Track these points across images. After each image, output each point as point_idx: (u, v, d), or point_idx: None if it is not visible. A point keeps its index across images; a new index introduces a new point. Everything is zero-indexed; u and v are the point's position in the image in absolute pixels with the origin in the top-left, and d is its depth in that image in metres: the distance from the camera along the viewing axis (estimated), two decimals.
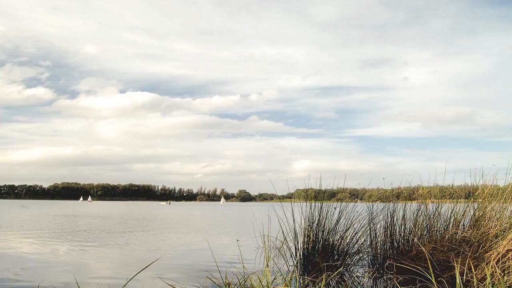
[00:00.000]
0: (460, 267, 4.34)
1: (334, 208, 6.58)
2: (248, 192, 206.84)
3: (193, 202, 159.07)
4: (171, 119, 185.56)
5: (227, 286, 4.15)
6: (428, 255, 4.56)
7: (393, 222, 6.26)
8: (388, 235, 6.27)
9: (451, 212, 5.97)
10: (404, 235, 6.17)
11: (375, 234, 6.42)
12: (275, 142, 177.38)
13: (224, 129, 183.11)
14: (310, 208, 6.60)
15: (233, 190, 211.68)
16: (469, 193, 6.68)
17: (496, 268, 4.54)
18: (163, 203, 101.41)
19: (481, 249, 5.09)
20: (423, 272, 4.40)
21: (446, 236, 5.74)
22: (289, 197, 7.82)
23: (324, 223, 6.46)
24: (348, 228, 6.42)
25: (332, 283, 5.59)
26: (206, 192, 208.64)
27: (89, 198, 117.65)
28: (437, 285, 4.01)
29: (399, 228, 6.23)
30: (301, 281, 5.75)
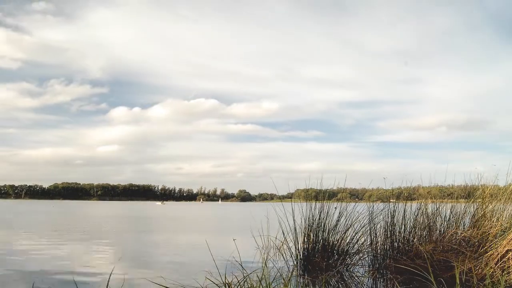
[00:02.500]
0: (460, 267, 4.34)
1: (335, 208, 6.57)
2: (248, 192, 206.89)
3: (192, 202, 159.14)
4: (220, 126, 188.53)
5: (226, 286, 4.15)
6: (428, 255, 4.55)
7: (393, 222, 6.25)
8: (388, 235, 6.26)
9: (451, 212, 5.96)
10: (404, 235, 6.17)
11: (375, 234, 6.41)
12: (297, 145, 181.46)
13: (259, 135, 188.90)
14: (311, 208, 6.59)
15: (233, 190, 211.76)
16: (469, 193, 6.68)
17: (496, 268, 4.54)
18: (158, 203, 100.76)
19: (481, 249, 5.09)
20: (423, 272, 4.40)
21: (446, 236, 5.73)
22: (289, 197, 7.82)
23: (324, 223, 6.46)
24: (348, 228, 6.41)
25: (332, 283, 5.59)
26: (206, 192, 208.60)
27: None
28: (437, 285, 4.01)
29: (399, 228, 6.22)
30: (301, 281, 5.75)
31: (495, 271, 4.49)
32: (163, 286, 4.97)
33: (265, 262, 4.39)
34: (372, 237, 6.43)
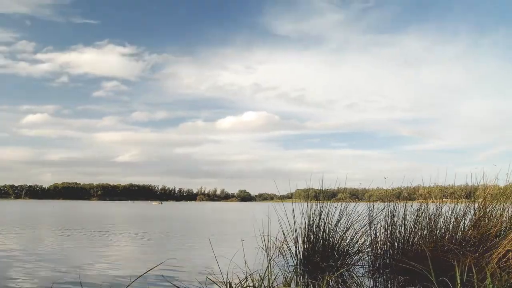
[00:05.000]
0: (460, 267, 4.34)
1: (335, 208, 6.58)
2: (248, 192, 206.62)
3: (192, 202, 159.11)
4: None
5: (227, 285, 4.15)
6: (428, 255, 4.56)
7: (394, 222, 6.25)
8: (388, 235, 6.26)
9: (451, 212, 5.97)
10: (404, 235, 6.17)
11: (375, 234, 6.42)
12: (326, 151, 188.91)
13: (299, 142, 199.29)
14: (311, 208, 6.60)
15: (233, 190, 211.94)
16: (470, 193, 6.69)
17: (497, 268, 4.54)
18: (155, 203, 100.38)
19: (482, 249, 5.09)
20: (424, 272, 4.40)
21: (447, 236, 5.74)
22: (289, 197, 7.82)
23: (325, 223, 6.46)
24: (348, 228, 6.41)
25: (332, 283, 5.59)
26: (206, 192, 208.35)
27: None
28: (437, 285, 4.01)
29: (399, 228, 6.22)
30: (301, 281, 5.75)
31: (496, 271, 4.49)
32: (164, 284, 4.99)
33: (269, 262, 4.39)
34: (372, 237, 6.43)
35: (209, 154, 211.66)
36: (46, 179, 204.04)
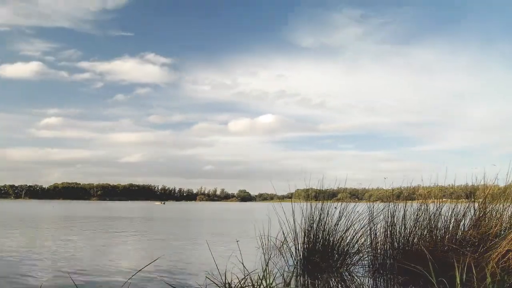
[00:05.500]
0: (460, 267, 4.33)
1: (335, 208, 6.57)
2: (248, 192, 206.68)
3: (192, 202, 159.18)
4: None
5: (227, 286, 4.14)
6: (428, 255, 4.55)
7: (393, 222, 6.24)
8: (388, 235, 6.26)
9: (451, 212, 5.96)
10: (404, 235, 6.16)
11: (375, 234, 6.41)
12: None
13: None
14: (311, 208, 6.59)
15: (233, 190, 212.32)
16: (470, 193, 6.68)
17: (497, 268, 4.54)
18: (158, 203, 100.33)
19: (482, 249, 5.08)
20: (424, 272, 4.39)
21: (447, 236, 5.73)
22: (289, 197, 7.81)
23: (324, 223, 6.46)
24: (348, 228, 6.41)
25: (332, 283, 5.59)
26: (206, 192, 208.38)
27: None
28: (437, 285, 4.00)
29: (399, 228, 6.21)
30: (301, 281, 5.74)
31: (496, 271, 4.49)
32: (163, 284, 4.98)
33: (267, 262, 4.39)
34: (372, 237, 6.43)
35: (217, 155, 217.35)
36: (52, 179, 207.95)
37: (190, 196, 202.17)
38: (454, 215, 5.91)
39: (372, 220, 6.47)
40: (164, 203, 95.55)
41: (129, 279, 4.60)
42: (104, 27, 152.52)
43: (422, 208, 6.17)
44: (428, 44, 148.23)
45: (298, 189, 9.03)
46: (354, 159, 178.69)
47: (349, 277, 5.90)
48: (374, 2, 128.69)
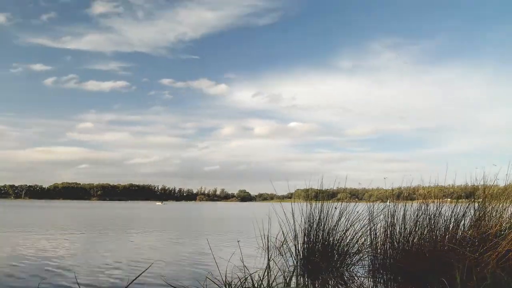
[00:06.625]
0: (460, 267, 4.34)
1: (335, 208, 6.57)
2: (248, 192, 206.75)
3: (192, 202, 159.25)
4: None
5: (227, 286, 4.15)
6: (428, 255, 4.55)
7: (393, 222, 6.25)
8: (388, 235, 6.26)
9: (451, 212, 5.96)
10: (404, 235, 6.16)
11: (375, 234, 6.41)
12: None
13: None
14: (311, 208, 6.60)
15: (233, 190, 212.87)
16: (470, 193, 6.68)
17: (496, 268, 4.54)
18: (158, 203, 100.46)
19: (482, 249, 5.09)
20: (424, 272, 4.40)
21: (447, 236, 5.73)
22: (289, 197, 7.82)
23: (324, 223, 6.46)
24: (348, 228, 6.41)
25: (332, 283, 5.59)
26: (206, 192, 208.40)
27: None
28: (437, 285, 4.01)
29: (399, 228, 6.22)
30: (301, 281, 5.75)
31: (496, 271, 4.49)
32: (163, 284, 4.98)
33: (268, 263, 4.39)
34: (372, 237, 6.43)
35: (229, 155, 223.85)
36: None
37: (190, 196, 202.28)
38: (454, 215, 5.91)
39: (372, 220, 6.47)
40: (164, 203, 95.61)
41: (129, 284, 4.61)
42: (177, 52, 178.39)
43: (422, 208, 6.17)
44: (450, 64, 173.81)
45: (298, 189, 9.05)
46: (367, 160, 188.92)
47: (349, 277, 5.90)
48: (405, 31, 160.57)
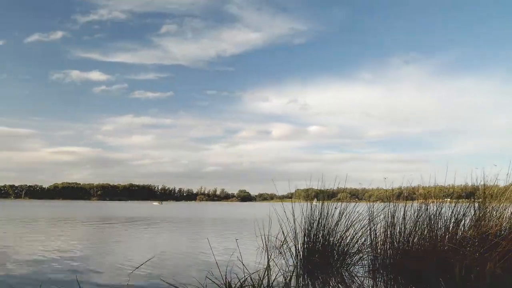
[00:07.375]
0: (460, 267, 4.34)
1: (335, 208, 6.57)
2: (248, 192, 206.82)
3: (192, 202, 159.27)
4: None
5: (227, 285, 4.15)
6: (428, 255, 4.55)
7: (393, 222, 6.25)
8: (388, 235, 6.26)
9: (451, 212, 5.96)
10: (404, 235, 6.17)
11: (375, 234, 6.41)
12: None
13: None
14: (311, 208, 6.59)
15: (233, 190, 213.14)
16: (470, 193, 6.68)
17: (496, 268, 4.54)
18: (156, 203, 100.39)
19: (482, 249, 5.09)
20: (424, 272, 4.40)
21: (447, 236, 5.73)
22: (289, 197, 7.82)
23: (324, 223, 6.46)
24: (348, 228, 6.41)
25: (332, 283, 5.59)
26: (206, 192, 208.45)
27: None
28: (437, 285, 4.01)
29: (399, 228, 6.22)
30: (301, 281, 5.75)
31: (496, 271, 4.50)
32: (163, 284, 4.98)
33: (268, 262, 4.39)
34: (372, 237, 6.43)
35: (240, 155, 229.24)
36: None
37: (190, 196, 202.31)
38: (454, 215, 5.91)
39: (372, 220, 6.47)
40: (161, 203, 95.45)
41: (127, 283, 4.60)
42: (214, 65, 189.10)
43: (422, 208, 6.17)
44: (462, 75, 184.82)
45: (298, 189, 9.04)
46: (373, 161, 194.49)
47: (349, 277, 5.90)
48: (422, 46, 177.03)
